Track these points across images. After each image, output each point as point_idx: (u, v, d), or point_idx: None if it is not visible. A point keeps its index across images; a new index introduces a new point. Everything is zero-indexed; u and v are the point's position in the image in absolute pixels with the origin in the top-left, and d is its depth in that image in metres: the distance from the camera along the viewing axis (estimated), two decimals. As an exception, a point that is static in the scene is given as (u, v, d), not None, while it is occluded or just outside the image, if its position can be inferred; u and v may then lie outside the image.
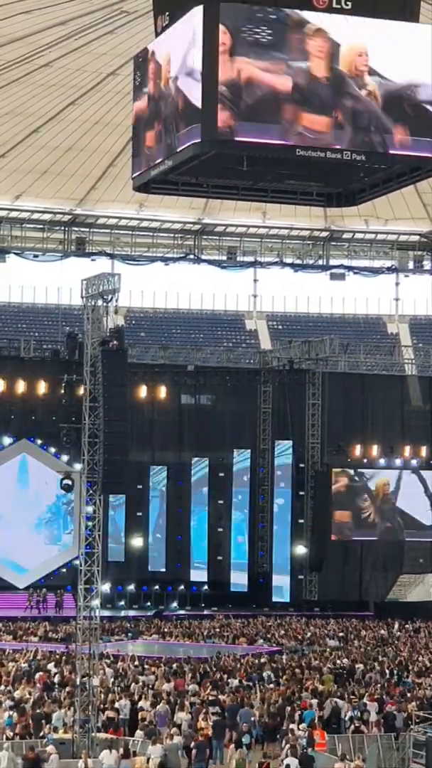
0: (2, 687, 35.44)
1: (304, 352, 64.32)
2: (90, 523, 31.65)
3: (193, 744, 29.53)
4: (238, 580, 63.70)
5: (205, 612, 60.20)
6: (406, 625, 55.99)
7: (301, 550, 63.66)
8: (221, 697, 34.65)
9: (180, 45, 23.63)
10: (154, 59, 25.03)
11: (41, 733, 30.54)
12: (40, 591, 59.17)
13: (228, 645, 48.58)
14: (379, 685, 37.56)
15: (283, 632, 52.39)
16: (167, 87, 24.27)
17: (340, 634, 52.09)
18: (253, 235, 73.37)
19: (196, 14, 22.72)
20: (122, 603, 61.21)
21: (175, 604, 61.73)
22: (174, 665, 40.08)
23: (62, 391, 52.99)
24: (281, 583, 63.50)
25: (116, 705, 32.89)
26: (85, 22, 52.05)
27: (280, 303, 74.61)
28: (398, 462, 64.95)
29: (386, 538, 65.11)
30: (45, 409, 59.53)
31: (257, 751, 31.33)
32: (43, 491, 62.27)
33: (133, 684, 36.46)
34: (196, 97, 22.70)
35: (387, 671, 40.50)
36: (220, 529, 64.44)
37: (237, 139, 22.59)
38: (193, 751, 29.25)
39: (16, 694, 34.24)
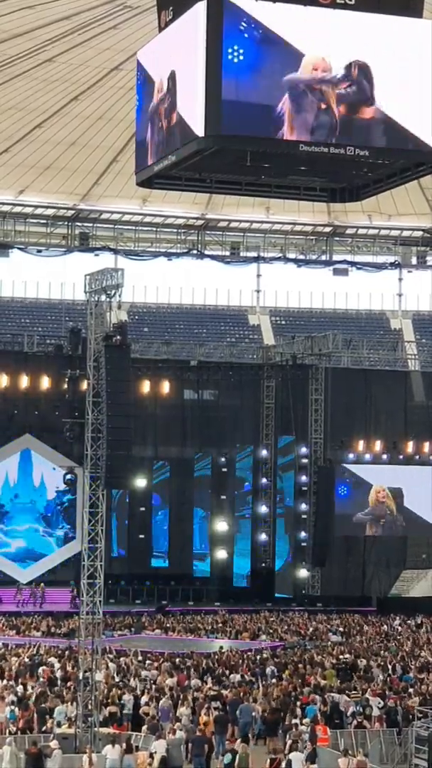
0: (5, 682, 35.49)
1: (307, 348, 64.27)
2: (92, 519, 31.69)
3: (191, 738, 29.60)
4: (241, 575, 63.73)
5: (208, 607, 60.25)
6: (408, 621, 56.00)
7: (303, 545, 63.70)
8: (223, 692, 34.70)
9: (184, 40, 23.63)
10: (158, 54, 25.03)
11: (44, 728, 30.59)
12: (38, 585, 59.37)
13: (230, 640, 48.63)
14: (381, 681, 37.61)
15: (285, 627, 52.42)
16: (171, 82, 24.27)
17: (341, 629, 52.09)
18: (256, 230, 73.36)
19: (200, 9, 22.72)
20: (125, 598, 61.23)
21: (177, 599, 61.83)
22: (177, 660, 40.12)
23: (65, 386, 52.91)
24: (284, 578, 63.53)
25: (120, 700, 32.94)
26: (88, 17, 52.04)
27: (283, 298, 74.60)
28: (401, 458, 64.96)
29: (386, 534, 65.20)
30: (48, 404, 59.46)
31: (260, 746, 31.44)
32: (45, 486, 62.38)
33: (135, 679, 36.51)
34: (199, 92, 22.70)
35: (389, 666, 40.53)
36: (223, 525, 64.46)
37: (239, 134, 22.60)
38: (189, 746, 29.32)
39: (19, 688, 34.30)
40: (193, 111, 23.05)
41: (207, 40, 22.55)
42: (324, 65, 23.21)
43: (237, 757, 27.99)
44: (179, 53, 24.02)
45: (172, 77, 24.28)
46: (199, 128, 22.77)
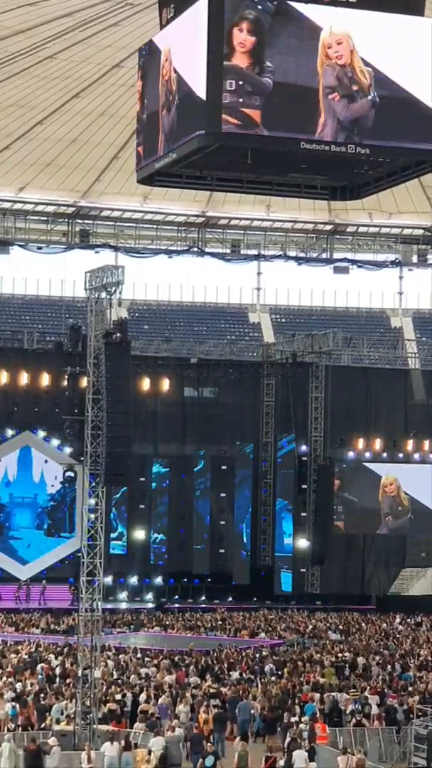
0: (4, 679, 35.47)
1: (307, 346, 64.25)
2: (92, 516, 31.68)
3: (189, 735, 29.60)
4: (241, 572, 63.74)
5: (207, 604, 60.23)
6: (408, 619, 56.00)
7: (303, 543, 63.65)
8: (222, 689, 34.70)
9: (185, 37, 23.60)
10: (159, 51, 25.00)
11: (43, 725, 30.59)
12: (42, 583, 59.56)
13: (230, 638, 48.62)
14: (380, 679, 37.61)
15: (284, 625, 52.40)
16: (172, 79, 24.25)
17: (340, 627, 52.08)
18: (256, 228, 73.35)
19: (201, 6, 22.69)
20: (124, 595, 61.27)
21: (176, 597, 61.85)
22: (176, 658, 40.12)
23: (65, 383, 53.04)
24: (283, 576, 63.53)
25: (118, 697, 32.93)
26: (89, 14, 52.05)
27: (284, 296, 74.59)
28: (401, 456, 64.90)
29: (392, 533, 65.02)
30: (48, 401, 59.52)
31: (259, 744, 31.42)
32: (45, 483, 62.40)
33: (134, 676, 36.51)
34: (200, 90, 22.67)
35: (389, 665, 40.52)
36: (222, 522, 64.50)
37: (240, 132, 22.57)
38: (188, 744, 29.31)
39: (18, 685, 34.29)
40: (194, 109, 23.04)
41: (208, 37, 22.54)
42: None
43: (237, 755, 27.97)
44: (181, 51, 24.00)
45: (174, 74, 24.27)
46: (199, 126, 22.77)
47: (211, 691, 34.28)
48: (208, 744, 28.59)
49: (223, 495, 64.66)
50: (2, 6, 49.81)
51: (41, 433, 61.97)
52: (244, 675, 37.68)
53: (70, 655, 38.61)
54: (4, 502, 62.40)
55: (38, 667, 37.34)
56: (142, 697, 33.43)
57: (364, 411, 66.94)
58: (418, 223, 73.47)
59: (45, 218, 70.05)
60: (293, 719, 30.91)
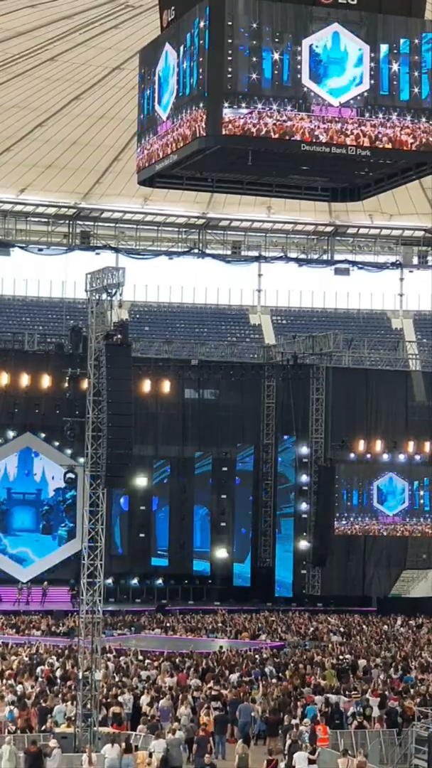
0: (5, 681, 35.44)
1: (308, 347, 64.30)
2: (93, 517, 31.67)
3: (195, 738, 29.55)
4: (241, 574, 63.72)
5: (208, 606, 60.19)
6: (410, 621, 55.96)
7: (303, 545, 63.62)
8: (223, 692, 34.66)
9: (186, 40, 23.64)
10: (160, 53, 25.04)
11: (43, 727, 30.56)
12: (43, 584, 59.59)
13: (231, 640, 48.59)
14: (381, 681, 37.57)
15: (285, 627, 52.37)
16: (172, 81, 24.29)
17: (342, 629, 52.04)
18: (257, 229, 73.33)
19: (202, 9, 22.72)
20: (125, 597, 61.23)
21: (177, 599, 61.82)
22: (176, 660, 40.08)
23: (66, 385, 53.02)
24: (284, 578, 63.49)
25: (119, 699, 32.89)
26: (90, 16, 52.08)
27: (285, 298, 74.55)
28: (401, 457, 64.91)
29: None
30: (49, 402, 59.51)
31: (260, 746, 31.40)
32: (46, 485, 62.41)
33: (135, 678, 36.48)
34: (201, 92, 22.71)
35: (390, 667, 40.47)
36: (223, 524, 64.48)
37: (240, 133, 22.58)
38: (195, 746, 29.26)
39: (19, 687, 34.26)
40: (195, 110, 23.06)
41: (209, 39, 22.57)
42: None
43: (237, 757, 27.94)
44: (182, 52, 24.02)
45: (175, 76, 24.29)
46: (201, 128, 22.80)
47: (212, 693, 34.26)
48: (206, 755, 28.43)
49: (223, 496, 64.68)
50: (3, 8, 49.82)
51: (42, 435, 61.99)
52: (244, 677, 37.63)
53: (70, 657, 38.58)
54: (5, 503, 62.40)
55: (38, 669, 37.32)
56: (143, 699, 33.41)
57: (364, 412, 67.05)
58: (418, 225, 73.44)
59: (46, 220, 70.04)
60: (294, 721, 30.88)
